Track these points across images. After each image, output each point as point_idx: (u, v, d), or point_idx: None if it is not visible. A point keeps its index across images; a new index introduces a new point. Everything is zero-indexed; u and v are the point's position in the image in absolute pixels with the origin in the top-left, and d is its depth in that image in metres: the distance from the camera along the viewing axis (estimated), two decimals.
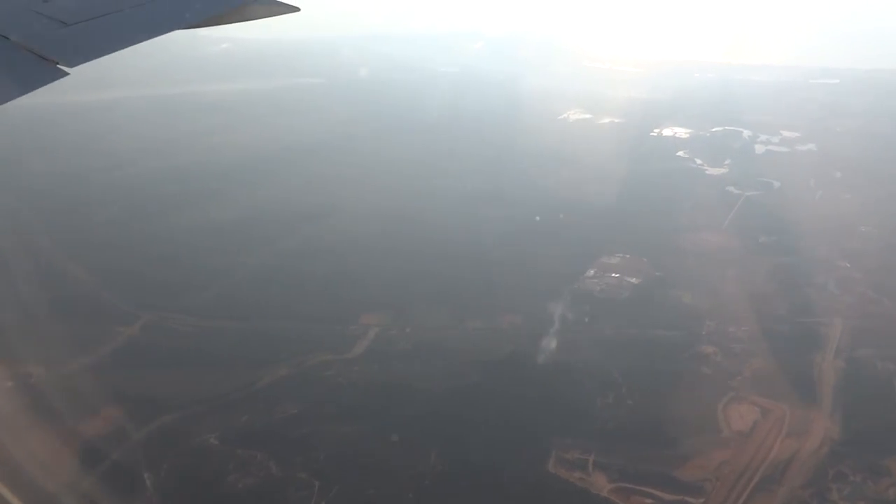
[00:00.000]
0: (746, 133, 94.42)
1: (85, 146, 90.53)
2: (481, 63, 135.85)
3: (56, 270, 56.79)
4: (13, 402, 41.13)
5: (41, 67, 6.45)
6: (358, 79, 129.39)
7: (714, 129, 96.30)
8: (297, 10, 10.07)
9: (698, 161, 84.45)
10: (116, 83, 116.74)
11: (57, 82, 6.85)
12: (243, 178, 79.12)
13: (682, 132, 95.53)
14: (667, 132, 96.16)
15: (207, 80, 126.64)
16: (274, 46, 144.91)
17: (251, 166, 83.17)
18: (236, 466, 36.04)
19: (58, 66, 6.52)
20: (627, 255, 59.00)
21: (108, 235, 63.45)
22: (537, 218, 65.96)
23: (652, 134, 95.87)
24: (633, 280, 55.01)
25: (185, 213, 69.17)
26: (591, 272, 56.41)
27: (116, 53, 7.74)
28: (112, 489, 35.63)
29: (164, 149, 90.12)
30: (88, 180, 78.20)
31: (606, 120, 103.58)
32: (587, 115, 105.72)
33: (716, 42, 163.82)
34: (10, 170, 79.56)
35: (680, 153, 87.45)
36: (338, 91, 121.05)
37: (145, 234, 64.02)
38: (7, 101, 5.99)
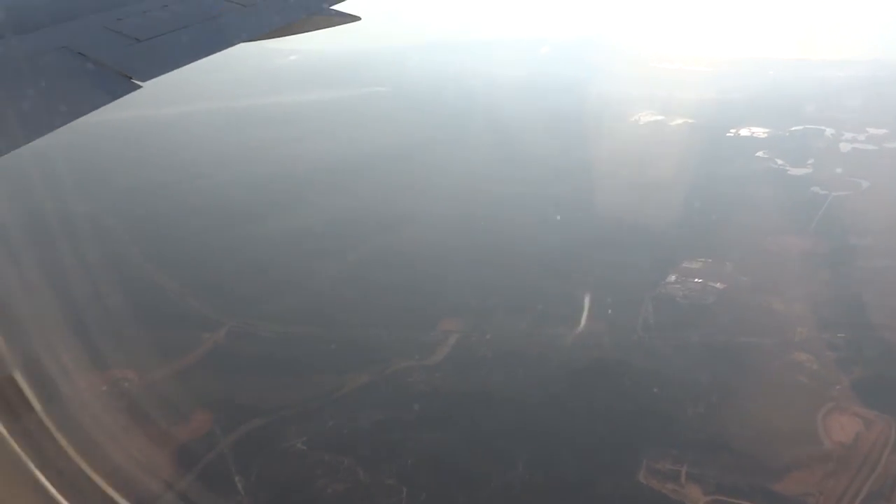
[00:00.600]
0: (829, 131, 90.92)
1: (164, 158, 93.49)
2: (548, 68, 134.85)
3: (144, 279, 58.60)
4: (109, 406, 42.52)
5: (116, 82, 6.69)
6: (424, 87, 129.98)
7: (794, 128, 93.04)
8: (357, 19, 10.16)
9: (779, 161, 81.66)
10: (191, 97, 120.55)
11: (137, 97, 7.14)
12: (318, 187, 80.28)
13: (760, 132, 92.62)
14: (744, 132, 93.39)
15: (278, 91, 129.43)
16: (341, 57, 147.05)
17: (325, 176, 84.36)
18: (324, 472, 36.31)
19: (131, 80, 6.76)
20: (710, 260, 57.31)
21: (191, 244, 65.19)
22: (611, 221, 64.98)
23: (728, 134, 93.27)
24: (718, 285, 53.37)
25: (264, 222, 70.55)
26: (673, 278, 55.00)
27: (189, 68, 8.01)
28: (205, 492, 36.40)
29: (239, 159, 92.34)
30: (169, 191, 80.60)
31: (679, 121, 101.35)
32: (659, 117, 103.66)
33: (789, 38, 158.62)
34: (95, 182, 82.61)
35: (759, 153, 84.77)
36: (405, 100, 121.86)
37: (226, 242, 65.52)
38: (83, 115, 6.22)
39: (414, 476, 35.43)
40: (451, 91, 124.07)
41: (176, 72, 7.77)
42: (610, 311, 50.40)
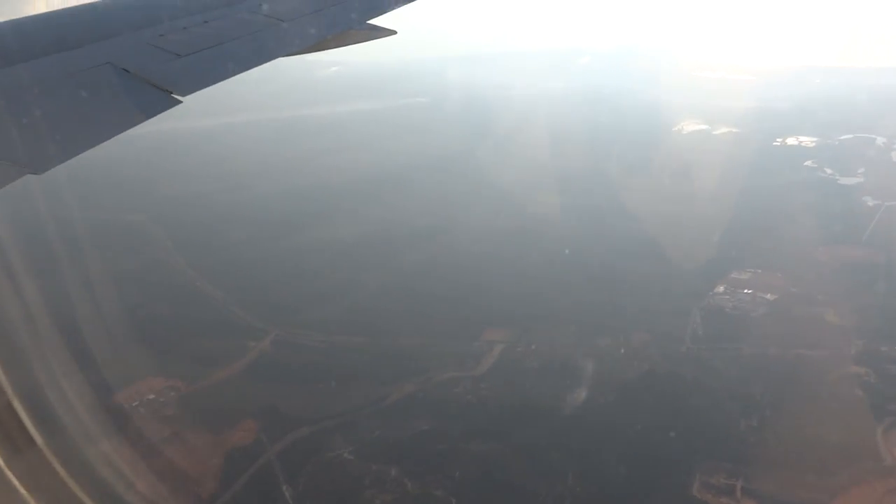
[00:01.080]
0: (880, 140, 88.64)
1: (208, 170, 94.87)
2: (588, 78, 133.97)
3: (189, 288, 59.36)
4: (157, 413, 42.98)
5: (156, 97, 6.90)
6: (464, 98, 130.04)
7: (843, 137, 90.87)
8: (393, 33, 10.27)
9: (828, 171, 79.81)
10: (233, 108, 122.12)
11: (180, 108, 7.30)
12: (360, 197, 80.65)
13: (807, 141, 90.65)
14: (791, 141, 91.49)
15: (319, 102, 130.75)
16: (381, 68, 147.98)
17: (366, 185, 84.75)
18: (372, 482, 36.19)
19: (172, 95, 6.96)
20: (759, 271, 56.11)
21: (236, 254, 65.88)
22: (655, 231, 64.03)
23: (775, 144, 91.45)
24: (769, 296, 52.19)
25: (306, 231, 71.07)
26: (721, 288, 53.96)
27: (231, 80, 8.20)
28: (253, 501, 36.52)
29: (282, 170, 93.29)
30: (213, 202, 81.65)
31: (724, 130, 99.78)
32: (703, 126, 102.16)
33: (833, 45, 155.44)
34: (141, 193, 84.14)
35: (808, 163, 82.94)
36: (444, 110, 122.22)
37: (269, 252, 66.07)
38: (127, 129, 6.39)
39: (462, 488, 35.13)
40: (489, 102, 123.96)
41: (218, 84, 7.93)
42: (657, 322, 49.55)
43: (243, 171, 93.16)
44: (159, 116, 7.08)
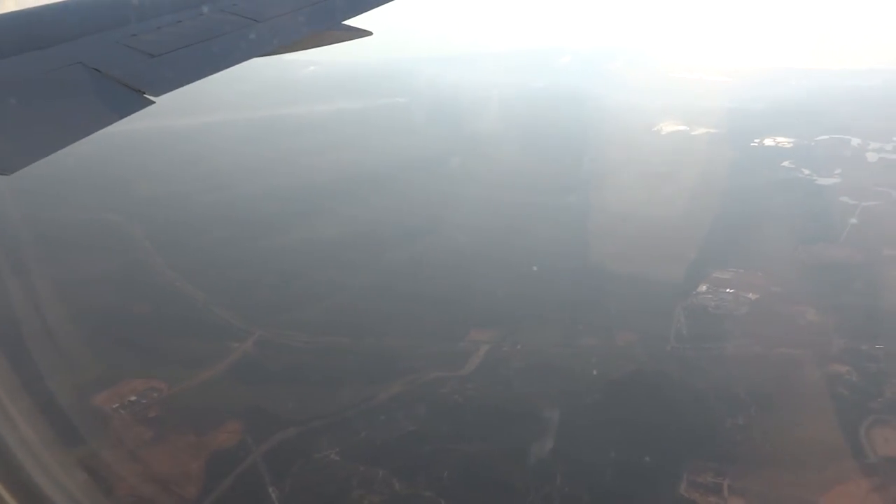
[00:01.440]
0: (855, 141, 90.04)
1: (186, 169, 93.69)
2: (569, 78, 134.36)
3: (170, 288, 58.56)
4: (141, 416, 42.29)
5: (129, 97, 6.85)
6: (443, 98, 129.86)
7: (819, 138, 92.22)
8: (369, 34, 10.27)
9: (806, 171, 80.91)
10: (210, 108, 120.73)
11: (157, 107, 7.27)
12: (342, 197, 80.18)
13: (784, 142, 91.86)
14: (768, 142, 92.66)
15: (296, 102, 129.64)
16: (359, 68, 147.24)
17: (348, 185, 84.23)
18: (360, 483, 35.92)
19: (144, 95, 6.92)
20: (741, 270, 56.67)
21: (216, 254, 65.16)
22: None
23: (752, 144, 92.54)
24: (751, 295, 52.70)
25: (289, 232, 70.49)
26: (704, 287, 54.42)
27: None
28: (239, 502, 36.06)
29: (262, 170, 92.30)
30: (192, 202, 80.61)
31: (702, 131, 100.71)
32: (681, 127, 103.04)
33: (807, 47, 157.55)
34: (118, 193, 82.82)
35: (785, 163, 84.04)
36: (424, 110, 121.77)
37: (251, 252, 65.39)
38: (98, 130, 6.35)
39: (451, 489, 34.98)
40: (469, 102, 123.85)
41: (199, 82, 7.89)
42: (641, 322, 49.80)
43: (222, 171, 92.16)
44: (135, 116, 7.02)
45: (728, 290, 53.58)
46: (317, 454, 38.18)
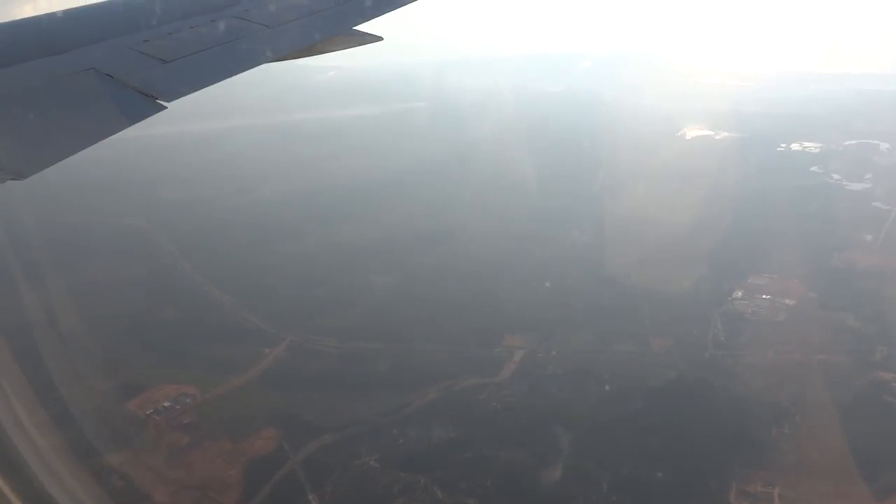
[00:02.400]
0: (884, 146, 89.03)
1: (207, 174, 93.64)
2: (589, 83, 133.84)
3: (198, 293, 58.35)
4: (175, 422, 41.95)
5: (141, 103, 6.92)
6: (463, 103, 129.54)
7: (847, 143, 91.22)
8: (380, 39, 10.21)
9: (836, 176, 79.99)
10: (232, 113, 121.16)
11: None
12: (366, 201, 79.94)
13: (811, 146, 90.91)
14: (795, 147, 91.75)
15: (317, 107, 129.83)
16: (379, 73, 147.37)
17: (370, 190, 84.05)
18: (401, 490, 35.39)
19: (157, 100, 6.98)
20: (776, 276, 55.88)
21: (243, 258, 64.98)
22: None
23: (779, 149, 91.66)
24: (788, 301, 51.90)
25: (312, 236, 70.24)
26: (739, 293, 53.65)
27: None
28: None
29: (283, 175, 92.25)
30: (215, 207, 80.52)
31: (726, 136, 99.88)
32: (706, 132, 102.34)
33: (828, 51, 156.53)
34: (141, 198, 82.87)
35: (814, 168, 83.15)
36: (444, 115, 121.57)
37: (276, 257, 65.15)
38: (110, 135, 6.43)
39: (495, 497, 34.41)
40: (489, 106, 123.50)
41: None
42: (677, 328, 49.11)
43: (244, 176, 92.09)
44: (155, 121, 7.16)
45: (764, 297, 52.80)
46: (356, 461, 37.69)
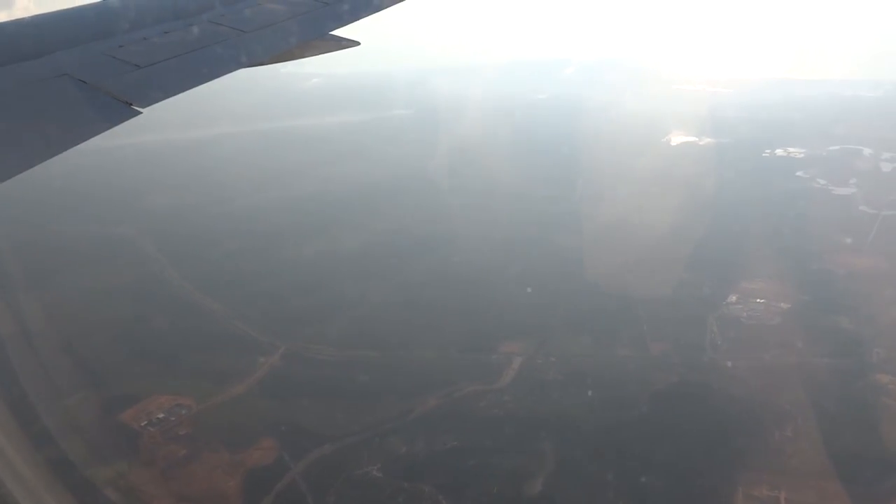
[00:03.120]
0: (867, 151, 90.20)
1: (193, 182, 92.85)
2: (573, 89, 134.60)
3: (188, 302, 57.52)
4: (171, 433, 41.14)
5: (115, 108, 6.87)
6: (447, 109, 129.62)
7: (831, 148, 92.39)
8: (357, 44, 10.25)
9: (821, 181, 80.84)
10: (215, 121, 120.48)
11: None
12: (356, 207, 79.63)
13: (796, 152, 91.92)
14: (779, 152, 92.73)
15: (303, 114, 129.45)
16: (363, 79, 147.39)
17: (362, 196, 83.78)
18: (406, 500, 34.90)
19: (131, 106, 6.94)
20: (769, 280, 56.20)
21: (232, 267, 64.25)
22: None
23: (764, 154, 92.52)
24: (782, 305, 52.18)
25: (303, 243, 69.63)
26: (734, 298, 53.86)
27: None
28: None
29: (271, 181, 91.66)
30: (202, 214, 79.75)
31: (711, 141, 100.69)
32: (690, 138, 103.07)
33: (808, 58, 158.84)
34: (125, 206, 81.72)
35: (799, 173, 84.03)
36: (429, 122, 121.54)
37: (267, 264, 64.54)
38: (83, 141, 6.38)
39: None
40: (474, 113, 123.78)
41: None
42: (674, 332, 49.16)
43: (230, 184, 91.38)
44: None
45: (759, 300, 53.05)
46: (358, 470, 37.13)
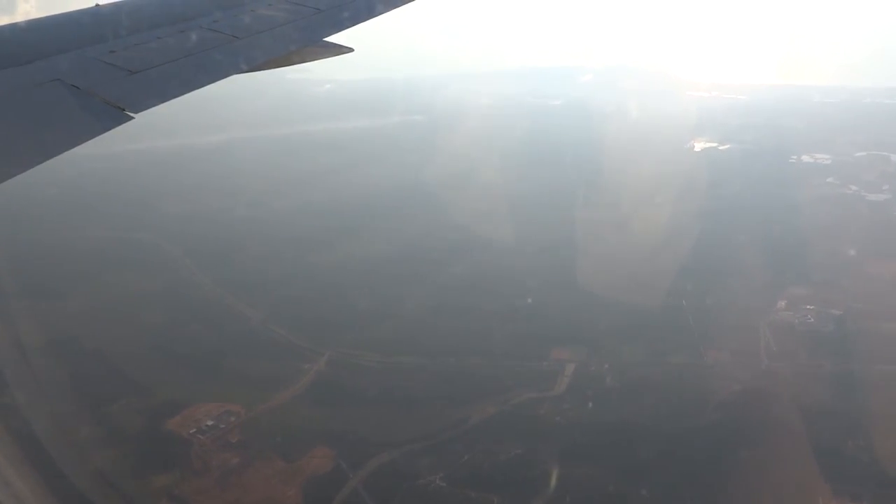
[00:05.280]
0: (895, 157, 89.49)
1: (212, 187, 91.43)
2: (591, 95, 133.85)
3: (223, 307, 56.42)
4: (222, 441, 40.04)
5: (109, 113, 6.88)
6: (461, 115, 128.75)
7: (857, 154, 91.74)
8: (350, 50, 10.39)
9: (853, 187, 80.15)
10: (230, 127, 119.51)
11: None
12: (380, 213, 78.62)
13: (823, 158, 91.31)
14: (806, 158, 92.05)
15: (317, 120, 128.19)
16: (375, 85, 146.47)
17: (384, 202, 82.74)
18: None
19: (124, 111, 6.94)
20: (816, 286, 55.29)
21: (264, 271, 63.17)
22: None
23: (791, 160, 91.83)
24: (834, 311, 51.27)
25: (332, 248, 68.61)
26: (782, 304, 52.97)
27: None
28: None
29: (292, 187, 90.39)
30: (225, 219, 78.54)
31: (734, 147, 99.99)
32: (713, 144, 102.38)
33: (825, 64, 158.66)
34: (146, 212, 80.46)
35: (829, 179, 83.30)
36: (446, 127, 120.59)
37: (298, 269, 63.51)
38: (75, 146, 6.40)
39: None
40: (492, 119, 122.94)
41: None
42: (727, 340, 48.24)
43: (251, 189, 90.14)
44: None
45: (809, 307, 52.15)
46: (420, 479, 36.13)
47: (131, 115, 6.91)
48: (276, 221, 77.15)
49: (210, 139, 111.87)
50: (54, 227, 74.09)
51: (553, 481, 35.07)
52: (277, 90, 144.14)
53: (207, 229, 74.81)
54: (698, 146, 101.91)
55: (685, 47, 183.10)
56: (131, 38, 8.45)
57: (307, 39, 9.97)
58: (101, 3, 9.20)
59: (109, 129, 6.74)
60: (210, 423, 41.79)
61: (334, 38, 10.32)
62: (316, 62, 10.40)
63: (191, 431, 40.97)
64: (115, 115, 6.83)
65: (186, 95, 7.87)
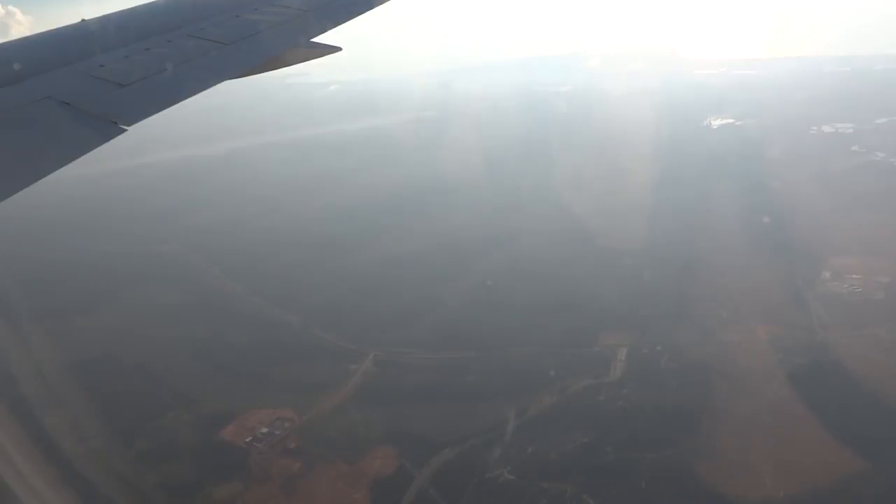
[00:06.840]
0: None
1: (230, 196, 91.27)
2: (598, 81, 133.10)
3: (259, 314, 55.92)
4: (280, 448, 39.49)
5: (100, 127, 6.91)
6: (472, 108, 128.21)
7: (878, 121, 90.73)
8: (338, 49, 10.39)
9: (880, 154, 79.22)
10: (240, 134, 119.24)
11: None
12: (405, 211, 78.12)
13: (844, 127, 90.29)
14: (826, 128, 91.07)
15: (326, 121, 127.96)
16: (381, 84, 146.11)
17: (406, 199, 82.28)
18: (550, 501, 33.19)
19: (116, 124, 6.96)
20: (858, 255, 54.43)
21: (296, 277, 62.73)
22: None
23: (811, 132, 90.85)
24: (882, 279, 50.45)
25: (361, 249, 68.13)
26: (827, 275, 52.16)
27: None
28: None
29: (311, 191, 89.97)
30: (247, 227, 78.17)
31: (752, 122, 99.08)
32: (730, 120, 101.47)
33: (833, 35, 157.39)
34: (165, 225, 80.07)
35: (854, 148, 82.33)
36: (456, 122, 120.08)
37: (330, 272, 62.96)
38: (70, 161, 6.41)
39: (654, 499, 32.24)
40: (502, 110, 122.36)
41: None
42: (776, 314, 47.44)
43: (269, 195, 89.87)
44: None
45: (855, 276, 51.35)
46: (488, 474, 35.50)
47: (124, 127, 6.92)
48: (298, 227, 76.61)
49: (219, 148, 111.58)
50: (76, 245, 73.91)
51: (624, 468, 34.35)
52: (281, 95, 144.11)
53: (231, 239, 74.36)
54: (715, 123, 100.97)
55: (688, 26, 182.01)
56: (119, 51, 8.50)
57: (294, 41, 10.04)
58: (86, 18, 9.31)
59: (103, 142, 6.75)
60: (265, 430, 41.26)
61: (334, 39, 10.35)
62: (315, 63, 10.37)
63: (247, 440, 40.45)
64: (107, 128, 6.86)
65: (192, 106, 8.02)
